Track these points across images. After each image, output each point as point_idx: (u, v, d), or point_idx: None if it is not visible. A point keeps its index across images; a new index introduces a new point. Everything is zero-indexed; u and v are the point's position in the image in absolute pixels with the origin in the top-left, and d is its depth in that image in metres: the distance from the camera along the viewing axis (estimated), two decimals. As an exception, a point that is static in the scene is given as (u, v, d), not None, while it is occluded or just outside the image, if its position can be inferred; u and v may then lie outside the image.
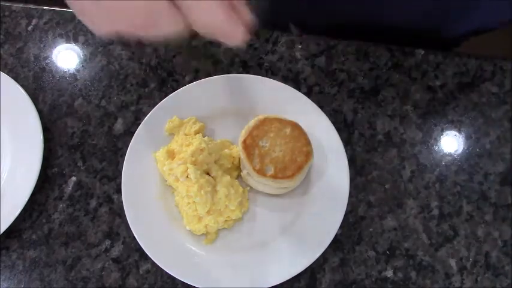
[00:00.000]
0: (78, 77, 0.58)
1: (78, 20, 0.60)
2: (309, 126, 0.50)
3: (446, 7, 0.55)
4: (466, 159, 0.53)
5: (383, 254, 0.49)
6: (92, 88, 0.57)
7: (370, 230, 0.50)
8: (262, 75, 0.56)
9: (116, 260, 0.49)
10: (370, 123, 0.55)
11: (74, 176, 0.53)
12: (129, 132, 0.54)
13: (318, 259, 0.47)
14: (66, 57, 0.59)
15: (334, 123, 0.52)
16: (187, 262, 0.47)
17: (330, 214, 0.48)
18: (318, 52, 0.58)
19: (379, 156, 0.53)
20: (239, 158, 0.50)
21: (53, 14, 0.61)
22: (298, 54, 0.58)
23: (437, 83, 0.57)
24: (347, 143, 0.53)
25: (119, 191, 0.51)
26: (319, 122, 0.52)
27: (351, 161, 0.52)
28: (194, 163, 0.48)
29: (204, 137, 0.51)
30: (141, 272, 0.49)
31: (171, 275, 0.46)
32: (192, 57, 0.59)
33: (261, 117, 0.49)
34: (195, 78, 0.57)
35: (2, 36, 0.60)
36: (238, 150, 0.50)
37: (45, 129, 0.54)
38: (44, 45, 0.60)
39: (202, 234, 0.48)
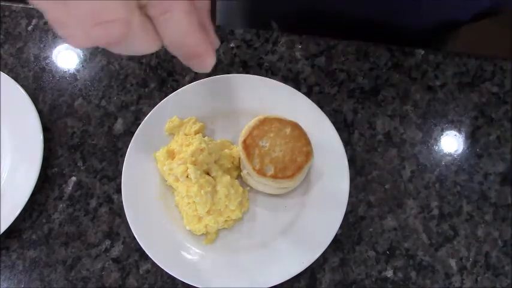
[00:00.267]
0: (78, 77, 0.58)
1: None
2: (309, 126, 0.50)
3: None
4: (466, 159, 0.53)
5: (383, 254, 0.49)
6: (92, 88, 0.57)
7: (370, 230, 0.50)
8: (262, 75, 0.56)
9: (116, 260, 0.49)
10: (370, 123, 0.55)
11: (74, 176, 0.53)
12: (129, 132, 0.54)
13: (318, 259, 0.47)
14: (66, 57, 0.59)
15: (334, 123, 0.52)
16: (187, 262, 0.47)
17: (330, 214, 0.48)
18: (318, 52, 0.58)
19: (379, 156, 0.53)
20: (239, 158, 0.50)
21: (53, 14, 0.61)
22: (298, 54, 0.58)
23: (437, 83, 0.57)
24: (347, 143, 0.53)
25: (119, 191, 0.51)
26: (319, 122, 0.52)
27: (351, 161, 0.52)
28: (194, 163, 0.48)
29: (204, 137, 0.51)
30: (141, 272, 0.49)
31: (171, 275, 0.46)
32: None
33: (261, 117, 0.49)
34: (195, 78, 0.57)
35: (2, 36, 0.60)
36: (238, 150, 0.50)
37: (45, 129, 0.54)
38: (44, 45, 0.60)
39: (202, 234, 0.48)
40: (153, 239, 0.48)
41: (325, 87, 0.57)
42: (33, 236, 0.51)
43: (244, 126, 0.50)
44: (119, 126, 0.55)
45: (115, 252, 0.50)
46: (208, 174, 0.49)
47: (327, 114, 0.52)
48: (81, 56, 0.59)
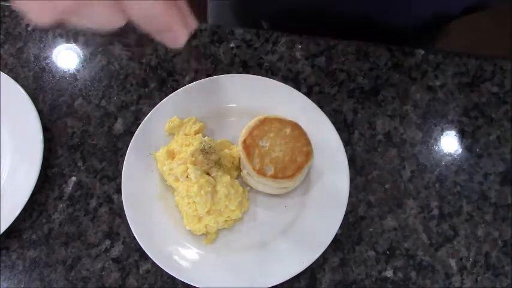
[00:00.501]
0: (78, 77, 0.58)
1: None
2: (309, 126, 0.50)
3: None
4: (466, 159, 0.53)
5: (383, 254, 0.49)
6: (92, 88, 0.57)
7: (370, 230, 0.50)
8: (262, 75, 0.56)
9: (116, 260, 0.49)
10: (370, 123, 0.55)
11: (74, 176, 0.53)
12: (129, 132, 0.54)
13: (318, 259, 0.47)
14: (66, 57, 0.59)
15: (334, 123, 0.52)
16: (187, 262, 0.47)
17: (330, 214, 0.48)
18: (318, 52, 0.58)
19: (379, 156, 0.53)
20: (239, 158, 0.50)
21: (53, 14, 0.61)
22: (298, 54, 0.58)
23: (437, 83, 0.57)
24: (347, 143, 0.53)
25: (119, 191, 0.51)
26: (319, 122, 0.52)
27: (351, 161, 0.52)
28: (194, 163, 0.48)
29: (204, 137, 0.51)
30: (141, 272, 0.49)
31: (171, 275, 0.46)
32: (192, 57, 0.59)
33: (261, 117, 0.49)
34: (195, 78, 0.57)
35: (2, 36, 0.60)
36: (238, 150, 0.50)
37: (45, 129, 0.54)
38: (44, 45, 0.60)
39: (202, 234, 0.48)
40: (153, 239, 0.48)
41: (325, 87, 0.57)
42: (33, 236, 0.51)
43: (244, 126, 0.50)
44: (119, 126, 0.55)
45: (115, 252, 0.50)
46: (208, 174, 0.49)
47: (327, 114, 0.52)
48: (81, 56, 0.59)
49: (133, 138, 0.51)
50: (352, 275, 0.49)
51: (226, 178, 0.48)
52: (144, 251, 0.47)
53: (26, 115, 0.53)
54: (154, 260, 0.46)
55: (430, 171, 0.53)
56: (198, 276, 0.46)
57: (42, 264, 0.49)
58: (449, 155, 0.54)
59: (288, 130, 0.48)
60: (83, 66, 0.59)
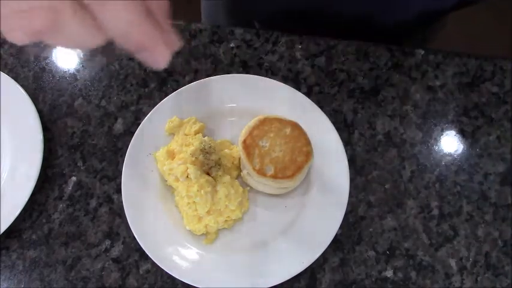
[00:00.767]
0: (78, 77, 0.58)
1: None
2: (309, 126, 0.50)
3: None
4: (466, 159, 0.53)
5: (383, 254, 0.49)
6: (92, 88, 0.57)
7: (370, 230, 0.50)
8: (262, 75, 0.56)
9: (116, 260, 0.49)
10: (370, 123, 0.55)
11: (74, 176, 0.53)
12: (129, 132, 0.54)
13: (318, 259, 0.47)
14: (66, 57, 0.59)
15: (334, 123, 0.52)
16: (187, 262, 0.47)
17: (330, 214, 0.48)
18: (318, 52, 0.58)
19: (379, 156, 0.53)
20: (239, 158, 0.50)
21: (53, 14, 0.61)
22: (298, 54, 0.58)
23: (437, 83, 0.57)
24: (347, 143, 0.53)
25: (119, 191, 0.51)
26: (319, 122, 0.52)
27: (351, 161, 0.52)
28: (194, 163, 0.48)
29: (204, 137, 0.51)
30: (141, 272, 0.49)
31: (171, 275, 0.46)
32: (192, 57, 0.59)
33: (261, 117, 0.49)
34: (195, 78, 0.57)
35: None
36: (238, 150, 0.50)
37: (45, 129, 0.54)
38: (44, 45, 0.60)
39: (202, 234, 0.48)
40: (153, 239, 0.48)
41: (325, 87, 0.57)
42: (33, 236, 0.51)
43: (244, 126, 0.50)
44: (119, 126, 0.55)
45: (115, 252, 0.50)
46: (208, 174, 0.49)
47: (327, 114, 0.52)
48: (81, 56, 0.59)
49: (133, 138, 0.51)
50: (352, 275, 0.49)
51: (226, 178, 0.48)
52: (144, 251, 0.47)
53: (26, 115, 0.53)
54: (154, 260, 0.46)
55: (430, 171, 0.53)
56: (198, 276, 0.46)
57: (42, 264, 0.49)
58: (449, 155, 0.54)
59: (288, 130, 0.48)
60: (83, 66, 0.59)
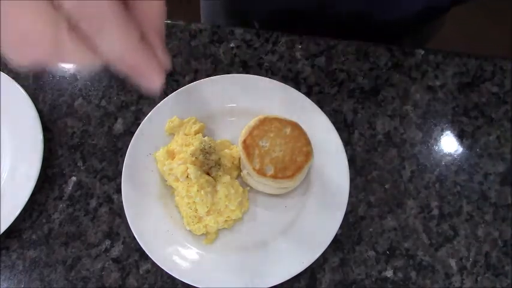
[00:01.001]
0: (78, 77, 0.58)
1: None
2: (309, 126, 0.50)
3: None
4: (466, 159, 0.53)
5: (383, 254, 0.49)
6: (92, 88, 0.57)
7: (370, 230, 0.50)
8: (262, 75, 0.56)
9: (116, 260, 0.49)
10: (370, 123, 0.55)
11: (74, 176, 0.53)
12: (129, 132, 0.54)
13: (318, 259, 0.47)
14: (66, 57, 0.59)
15: (334, 123, 0.52)
16: (187, 262, 0.47)
17: (330, 214, 0.48)
18: (318, 52, 0.58)
19: (379, 156, 0.53)
20: (239, 158, 0.50)
21: (53, 14, 0.61)
22: (298, 54, 0.58)
23: (437, 83, 0.57)
24: (347, 143, 0.53)
25: (119, 191, 0.51)
26: (319, 122, 0.52)
27: (351, 161, 0.52)
28: (194, 163, 0.48)
29: (204, 137, 0.51)
30: (141, 272, 0.49)
31: (171, 275, 0.46)
32: (192, 57, 0.59)
33: (261, 117, 0.49)
34: (195, 78, 0.57)
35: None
36: (238, 150, 0.50)
37: (45, 129, 0.54)
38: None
39: (202, 234, 0.48)
40: (153, 239, 0.48)
41: (325, 87, 0.57)
42: (33, 236, 0.51)
43: (244, 126, 0.50)
44: (119, 126, 0.55)
45: (115, 252, 0.50)
46: (208, 174, 0.49)
47: (327, 114, 0.52)
48: (81, 56, 0.59)
49: (133, 138, 0.51)
50: (352, 275, 0.49)
51: (226, 178, 0.48)
52: (144, 251, 0.47)
53: (26, 115, 0.53)
54: (154, 260, 0.46)
55: (430, 171, 0.53)
56: (198, 276, 0.46)
57: (42, 264, 0.49)
58: (449, 155, 0.54)
59: (288, 130, 0.48)
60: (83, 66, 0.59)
